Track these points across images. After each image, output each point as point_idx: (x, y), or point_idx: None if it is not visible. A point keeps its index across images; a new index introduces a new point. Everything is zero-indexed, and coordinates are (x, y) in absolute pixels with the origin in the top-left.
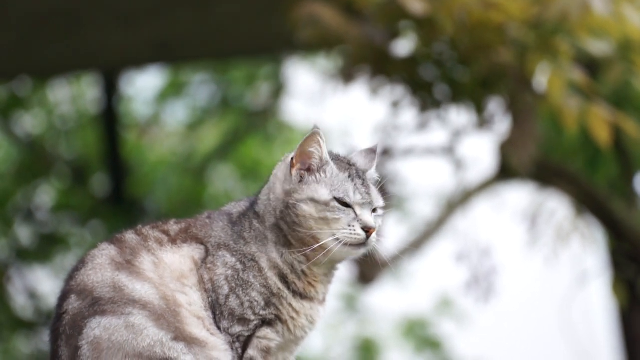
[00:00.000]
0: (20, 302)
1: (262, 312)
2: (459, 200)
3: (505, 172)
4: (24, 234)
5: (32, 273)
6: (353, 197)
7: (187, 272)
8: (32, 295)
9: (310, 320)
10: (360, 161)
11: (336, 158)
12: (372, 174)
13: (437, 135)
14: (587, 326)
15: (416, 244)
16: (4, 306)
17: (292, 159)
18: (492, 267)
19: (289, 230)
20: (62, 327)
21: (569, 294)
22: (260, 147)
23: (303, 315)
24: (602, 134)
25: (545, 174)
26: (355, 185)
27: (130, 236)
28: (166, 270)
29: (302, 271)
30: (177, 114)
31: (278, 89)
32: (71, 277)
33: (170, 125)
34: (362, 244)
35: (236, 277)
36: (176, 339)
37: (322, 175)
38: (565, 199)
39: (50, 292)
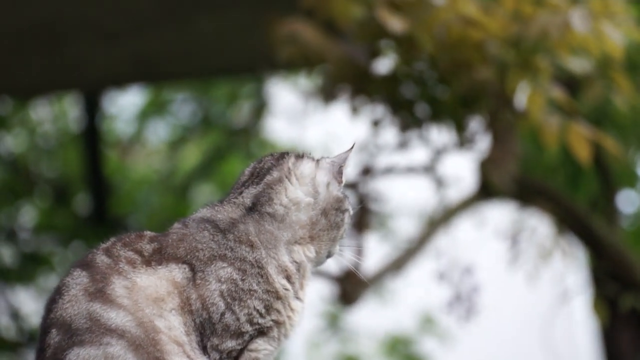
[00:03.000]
0: (3, 322)
1: (260, 321)
2: (440, 219)
3: (486, 190)
4: (7, 253)
5: (15, 293)
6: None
7: (164, 295)
8: (16, 315)
9: (299, 318)
10: None
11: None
12: None
13: (418, 153)
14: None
15: (398, 262)
16: None
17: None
18: (474, 285)
19: (327, 228)
20: None
21: (551, 312)
22: (242, 165)
23: (297, 313)
24: (583, 152)
25: (526, 192)
26: None
27: (101, 258)
28: (140, 295)
29: (303, 270)
30: (159, 132)
31: (260, 108)
32: (50, 309)
33: (152, 144)
34: None
35: (233, 290)
36: None
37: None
38: (546, 217)
39: (33, 312)
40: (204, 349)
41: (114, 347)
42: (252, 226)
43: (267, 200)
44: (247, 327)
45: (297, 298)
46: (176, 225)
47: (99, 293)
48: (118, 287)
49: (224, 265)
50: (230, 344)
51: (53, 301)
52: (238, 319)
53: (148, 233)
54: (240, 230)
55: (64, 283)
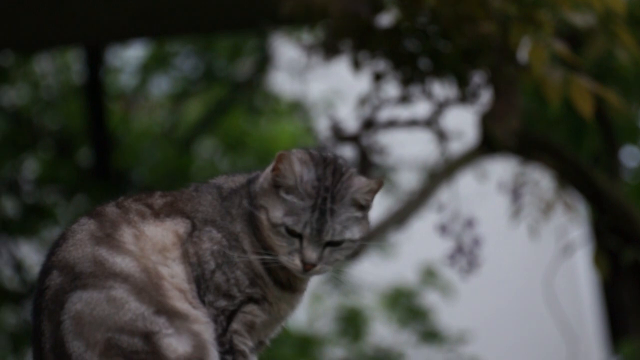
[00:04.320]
0: (6, 274)
1: (247, 290)
2: (442, 172)
3: (488, 144)
4: (9, 205)
5: (18, 245)
6: (303, 229)
7: (169, 245)
8: (19, 267)
9: (291, 306)
10: (353, 185)
11: (318, 177)
12: (356, 200)
13: (420, 107)
14: (571, 296)
15: (400, 216)
16: None
17: (275, 163)
18: (476, 238)
19: (256, 228)
20: (44, 302)
21: (553, 265)
22: (246, 119)
23: (284, 302)
24: (585, 106)
25: (528, 147)
26: (312, 217)
27: (110, 209)
28: (147, 243)
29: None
30: (162, 86)
31: (263, 62)
32: (52, 252)
33: (155, 97)
34: (301, 273)
35: (222, 253)
36: (158, 312)
37: (286, 195)
38: (548, 171)
39: (36, 264)
40: (203, 303)
41: (117, 290)
42: (238, 200)
43: (255, 179)
44: (236, 292)
45: (284, 288)
46: (191, 187)
47: (107, 238)
48: (127, 234)
49: (214, 230)
50: (223, 303)
51: (57, 244)
52: (227, 281)
53: (159, 192)
54: (231, 201)
55: (70, 229)
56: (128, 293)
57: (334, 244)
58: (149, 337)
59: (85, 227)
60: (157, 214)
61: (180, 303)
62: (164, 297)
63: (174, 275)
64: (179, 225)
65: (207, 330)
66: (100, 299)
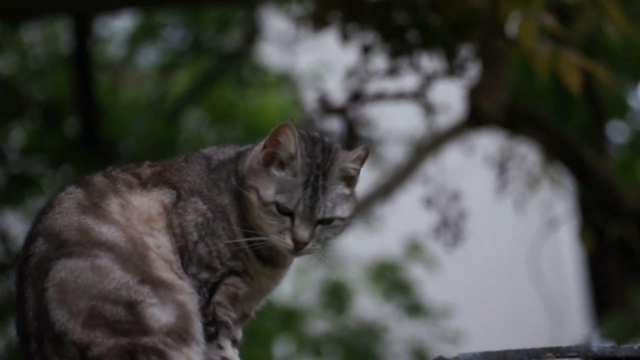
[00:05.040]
0: None
1: (229, 263)
2: (429, 146)
3: (476, 117)
4: None
5: (3, 216)
6: (295, 206)
7: (155, 216)
8: (3, 237)
9: (274, 281)
10: (339, 158)
11: (309, 154)
12: (345, 170)
13: (408, 80)
14: (556, 271)
15: (386, 189)
16: None
17: (273, 135)
18: (461, 211)
19: (244, 207)
20: (29, 269)
21: (538, 239)
22: (234, 90)
23: (265, 277)
24: (573, 80)
25: (516, 120)
26: (305, 194)
27: (98, 179)
28: (134, 213)
29: None
30: (150, 56)
31: (251, 33)
32: (38, 220)
33: (142, 68)
34: (291, 252)
35: (206, 225)
36: (142, 282)
37: (278, 172)
38: (535, 145)
39: (21, 234)
40: (186, 274)
41: (102, 259)
42: (226, 174)
43: (243, 156)
44: (217, 264)
45: (265, 264)
46: (181, 157)
47: (94, 207)
48: (113, 204)
49: (199, 201)
50: (205, 275)
51: (43, 212)
52: (210, 253)
53: (148, 162)
54: (219, 173)
55: (56, 197)
56: (113, 262)
57: (325, 222)
58: (132, 306)
59: (72, 195)
60: (145, 184)
61: (165, 273)
62: (149, 267)
63: (160, 245)
64: (165, 196)
65: (192, 300)
66: (85, 267)
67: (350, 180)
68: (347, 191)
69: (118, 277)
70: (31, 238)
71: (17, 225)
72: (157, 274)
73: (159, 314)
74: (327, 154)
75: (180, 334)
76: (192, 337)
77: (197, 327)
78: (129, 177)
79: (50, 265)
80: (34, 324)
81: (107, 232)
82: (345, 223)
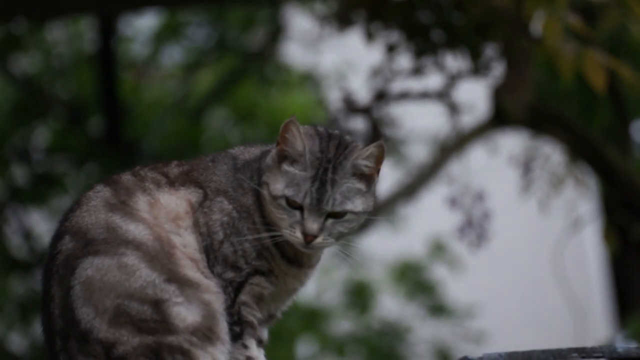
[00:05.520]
0: (15, 242)
1: (254, 263)
2: (453, 145)
3: (500, 117)
4: (20, 174)
5: (28, 214)
6: (303, 199)
7: (182, 214)
8: (28, 236)
9: (299, 281)
10: (353, 155)
11: (321, 149)
12: (358, 167)
13: (432, 79)
14: (579, 271)
15: (410, 188)
16: (0, 246)
17: (281, 132)
18: (485, 211)
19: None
20: (55, 267)
21: (562, 239)
22: (257, 90)
23: (290, 276)
24: (598, 80)
25: (540, 120)
26: (313, 187)
27: (126, 177)
28: (161, 211)
29: None
30: (174, 55)
31: (275, 32)
32: (66, 218)
33: (166, 67)
34: (303, 246)
35: (231, 224)
36: (169, 280)
37: (287, 167)
38: (559, 145)
39: (45, 233)
40: (212, 274)
41: (128, 257)
42: (250, 174)
43: (267, 154)
44: (242, 263)
45: (291, 263)
46: (208, 157)
47: (121, 205)
48: (141, 201)
49: (225, 200)
50: (231, 274)
51: (71, 210)
52: (235, 252)
53: (176, 161)
54: (244, 173)
55: (85, 195)
56: (140, 260)
57: (336, 216)
58: (158, 304)
59: (100, 194)
60: (172, 183)
61: (192, 272)
62: (175, 265)
63: (187, 244)
64: (192, 195)
65: (217, 300)
66: (112, 265)
67: (365, 177)
68: (361, 187)
69: (144, 275)
70: (58, 236)
71: (41, 224)
72: (183, 272)
73: (185, 313)
74: (342, 150)
75: (205, 333)
76: (218, 337)
77: (223, 327)
78: (157, 175)
79: (77, 263)
80: (60, 322)
81: (135, 230)
82: (359, 218)
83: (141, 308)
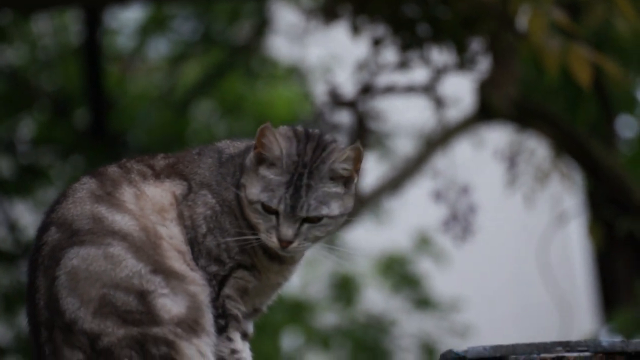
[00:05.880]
0: (0, 234)
1: (237, 257)
2: (438, 139)
3: (485, 111)
4: (5, 166)
5: (13, 206)
6: (278, 205)
7: (167, 206)
8: (13, 227)
9: (282, 276)
10: (331, 158)
11: (298, 152)
12: (335, 171)
13: (418, 73)
14: (565, 265)
15: (395, 182)
16: None
17: (258, 137)
18: (471, 205)
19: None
20: (41, 258)
21: (548, 234)
22: (243, 83)
23: (272, 272)
24: (583, 75)
25: (525, 115)
26: (287, 193)
27: (112, 169)
28: (147, 203)
29: None
30: (160, 48)
31: (261, 25)
32: (52, 210)
33: (152, 60)
34: (279, 250)
35: (214, 218)
36: (155, 271)
37: (264, 171)
38: (544, 140)
39: (30, 224)
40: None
41: (114, 247)
42: (233, 169)
43: (251, 149)
44: (225, 257)
45: (272, 259)
46: (195, 149)
47: (107, 196)
48: (127, 193)
49: (208, 194)
50: (214, 268)
51: (57, 202)
52: (218, 246)
53: (162, 154)
54: (227, 168)
55: (71, 187)
56: (126, 251)
57: (311, 220)
58: (144, 295)
59: (86, 185)
60: (158, 175)
61: (178, 264)
62: (161, 256)
63: (173, 236)
64: (177, 187)
65: (203, 292)
66: (98, 255)
67: (343, 178)
68: (338, 190)
69: (130, 265)
70: (44, 227)
71: (26, 216)
72: (169, 264)
73: (170, 305)
74: (319, 152)
75: (190, 325)
76: (203, 329)
77: (208, 319)
78: (143, 167)
79: (63, 254)
80: (45, 313)
81: (121, 220)
82: (336, 221)
83: (126, 299)
